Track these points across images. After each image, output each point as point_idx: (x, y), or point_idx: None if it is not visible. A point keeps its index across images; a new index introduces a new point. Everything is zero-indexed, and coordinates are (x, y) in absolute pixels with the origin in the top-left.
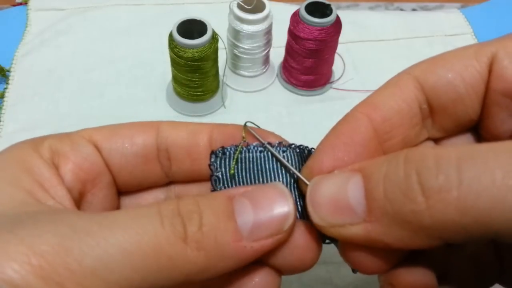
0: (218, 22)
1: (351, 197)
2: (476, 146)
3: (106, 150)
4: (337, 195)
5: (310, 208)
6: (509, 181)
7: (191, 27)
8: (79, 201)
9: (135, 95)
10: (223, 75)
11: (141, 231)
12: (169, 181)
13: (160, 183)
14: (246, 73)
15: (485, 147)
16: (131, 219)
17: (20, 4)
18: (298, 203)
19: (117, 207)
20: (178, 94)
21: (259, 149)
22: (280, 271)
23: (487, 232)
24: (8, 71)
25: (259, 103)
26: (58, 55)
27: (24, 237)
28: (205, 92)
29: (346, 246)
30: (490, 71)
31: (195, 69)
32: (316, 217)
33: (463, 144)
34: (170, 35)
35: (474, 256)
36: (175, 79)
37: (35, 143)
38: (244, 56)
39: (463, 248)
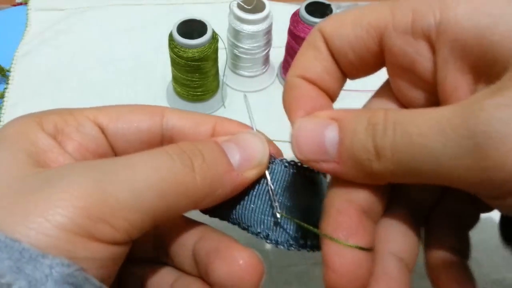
0: (218, 22)
1: (327, 142)
2: (405, 111)
3: (111, 133)
4: (316, 137)
5: (293, 145)
6: (419, 139)
7: (191, 27)
8: None
9: (135, 95)
10: (223, 75)
11: (159, 167)
12: None
13: None
14: (246, 73)
15: (411, 112)
16: (147, 159)
17: (20, 4)
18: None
19: None
20: (178, 94)
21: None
22: None
23: (419, 178)
24: (8, 71)
25: (259, 103)
26: (58, 55)
27: (63, 186)
28: (205, 92)
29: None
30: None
31: (195, 69)
32: (298, 152)
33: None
34: (170, 35)
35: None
36: (175, 79)
37: (39, 117)
38: (244, 56)
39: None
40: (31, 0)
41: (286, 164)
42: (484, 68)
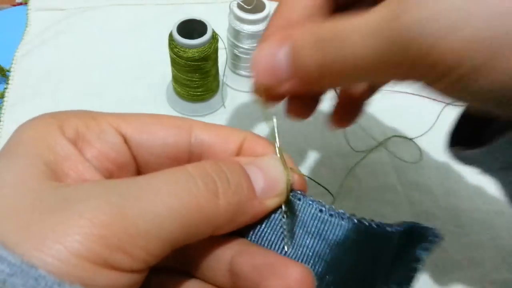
0: (218, 22)
1: (279, 60)
2: (343, 21)
3: (134, 144)
4: (270, 58)
5: (252, 72)
6: (354, 50)
7: (191, 27)
8: None
9: (135, 95)
10: (223, 75)
11: (181, 191)
12: None
13: None
14: (246, 73)
15: (347, 22)
16: (170, 183)
17: (20, 4)
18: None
19: None
20: (178, 94)
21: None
22: None
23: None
24: (8, 71)
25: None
26: (58, 55)
27: (83, 211)
28: (205, 92)
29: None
30: None
31: (195, 69)
32: (257, 79)
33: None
34: (170, 35)
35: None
36: (175, 79)
37: (60, 120)
38: (244, 56)
39: None
40: (31, 0)
41: (310, 202)
42: None
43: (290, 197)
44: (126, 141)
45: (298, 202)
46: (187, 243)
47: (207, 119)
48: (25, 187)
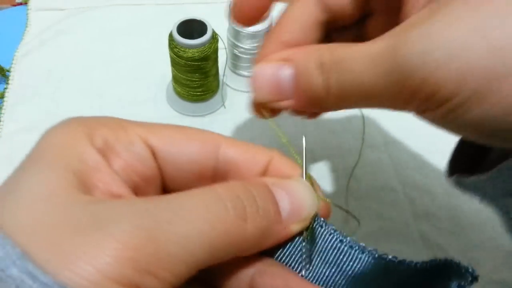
0: (218, 22)
1: (282, 81)
2: (346, 47)
3: (162, 157)
4: (272, 78)
5: (252, 89)
6: (357, 76)
7: (191, 27)
8: None
9: (135, 95)
10: (223, 75)
11: (211, 216)
12: None
13: None
14: (246, 73)
15: (351, 49)
16: (200, 207)
17: (20, 4)
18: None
19: None
20: (178, 94)
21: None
22: None
23: (361, 106)
24: (8, 71)
25: None
26: (58, 55)
27: (115, 233)
28: (205, 92)
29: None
30: None
31: (195, 69)
32: (256, 94)
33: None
34: (170, 35)
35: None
36: (175, 79)
37: (89, 128)
38: (244, 56)
39: None
40: (31, 0)
41: (332, 232)
42: None
43: (313, 223)
44: (154, 154)
45: (320, 229)
46: (211, 264)
47: (207, 119)
48: (55, 201)
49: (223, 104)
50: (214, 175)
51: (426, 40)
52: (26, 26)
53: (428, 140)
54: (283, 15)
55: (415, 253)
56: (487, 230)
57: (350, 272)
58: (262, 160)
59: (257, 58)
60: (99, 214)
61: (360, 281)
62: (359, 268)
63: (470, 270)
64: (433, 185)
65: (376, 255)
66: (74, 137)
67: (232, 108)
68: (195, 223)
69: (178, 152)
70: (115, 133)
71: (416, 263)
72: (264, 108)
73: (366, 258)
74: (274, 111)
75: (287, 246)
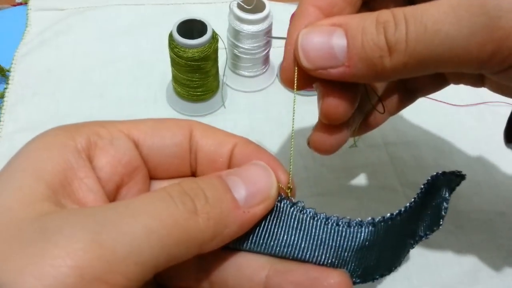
0: (218, 22)
1: (335, 47)
2: (412, 6)
3: (145, 148)
4: (324, 44)
5: (300, 54)
6: (435, 26)
7: (191, 27)
8: (115, 193)
9: (135, 95)
10: (223, 75)
11: (159, 213)
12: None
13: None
14: (246, 73)
15: (420, 6)
16: (147, 204)
17: (20, 4)
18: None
19: None
20: (178, 94)
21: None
22: None
23: (431, 66)
24: (8, 71)
25: (259, 103)
26: (58, 55)
27: (58, 240)
28: (205, 92)
29: (325, 92)
30: None
31: (195, 69)
32: (305, 61)
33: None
34: (170, 35)
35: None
36: (175, 79)
37: (71, 131)
38: (244, 56)
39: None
40: (31, 0)
41: (299, 207)
42: None
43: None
44: (136, 145)
45: (287, 207)
46: (172, 264)
47: (207, 119)
48: (9, 216)
49: (223, 104)
50: (190, 158)
51: None
52: (26, 26)
53: (428, 140)
54: None
55: (415, 252)
56: (487, 230)
57: (353, 247)
58: (227, 146)
59: (293, 25)
60: (47, 226)
61: (361, 248)
62: (361, 240)
63: (456, 172)
64: None
65: (373, 225)
66: (52, 145)
67: (232, 108)
68: (141, 220)
69: (160, 140)
70: (97, 132)
71: (405, 206)
72: (299, 78)
73: (366, 229)
74: (305, 84)
75: (277, 213)
